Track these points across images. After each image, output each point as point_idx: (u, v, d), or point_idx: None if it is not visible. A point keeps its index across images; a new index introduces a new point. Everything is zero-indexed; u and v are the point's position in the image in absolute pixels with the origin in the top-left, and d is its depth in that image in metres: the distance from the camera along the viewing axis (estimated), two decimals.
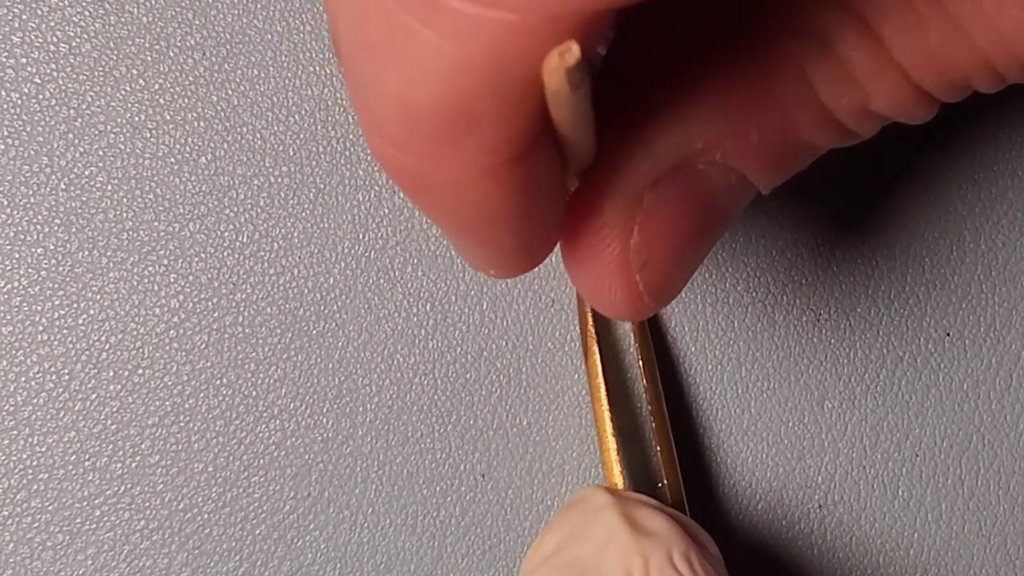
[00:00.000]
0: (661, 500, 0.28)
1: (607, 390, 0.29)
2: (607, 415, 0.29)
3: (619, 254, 0.21)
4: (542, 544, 0.27)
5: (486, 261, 0.21)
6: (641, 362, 0.29)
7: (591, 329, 0.29)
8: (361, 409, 0.30)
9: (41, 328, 0.30)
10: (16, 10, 0.29)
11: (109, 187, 0.30)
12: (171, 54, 0.30)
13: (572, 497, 0.28)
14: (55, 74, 0.30)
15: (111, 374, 0.30)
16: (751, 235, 0.30)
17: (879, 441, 0.30)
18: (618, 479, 0.29)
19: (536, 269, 0.30)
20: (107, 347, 0.30)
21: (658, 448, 0.29)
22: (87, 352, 0.30)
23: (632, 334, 0.29)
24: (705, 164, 0.21)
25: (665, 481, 0.29)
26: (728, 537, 0.30)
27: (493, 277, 0.21)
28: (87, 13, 0.30)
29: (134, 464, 0.30)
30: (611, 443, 0.29)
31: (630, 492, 0.28)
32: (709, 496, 0.30)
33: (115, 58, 0.30)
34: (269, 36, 0.30)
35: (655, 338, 0.30)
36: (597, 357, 0.29)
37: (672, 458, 0.29)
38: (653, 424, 0.29)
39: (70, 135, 0.30)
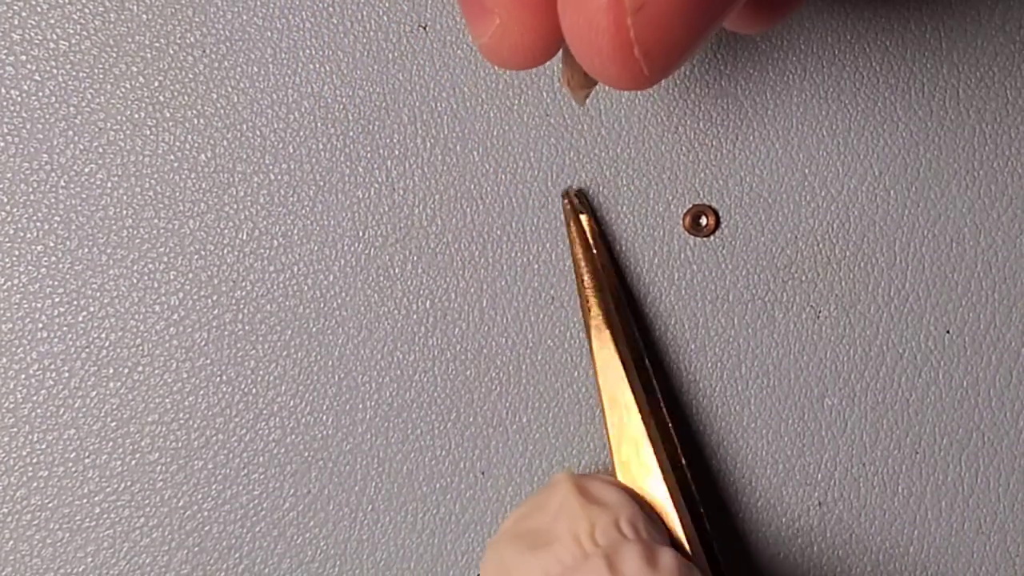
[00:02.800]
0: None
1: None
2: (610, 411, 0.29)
3: None
4: (509, 517, 0.28)
5: None
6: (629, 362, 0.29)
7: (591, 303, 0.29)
8: (361, 406, 0.30)
9: (41, 325, 0.30)
10: (16, 7, 0.29)
11: (109, 184, 0.30)
12: (171, 51, 0.30)
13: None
14: (55, 71, 0.30)
15: (111, 371, 0.30)
16: (751, 232, 0.30)
17: (879, 438, 0.30)
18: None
19: (534, 268, 0.30)
20: (107, 344, 0.30)
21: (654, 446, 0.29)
22: (87, 349, 0.30)
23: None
24: None
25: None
26: (726, 533, 0.30)
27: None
28: (87, 10, 0.30)
29: (134, 461, 0.30)
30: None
31: (591, 473, 0.29)
32: (709, 494, 0.30)
33: (115, 55, 0.30)
34: (269, 34, 0.30)
35: (656, 335, 0.30)
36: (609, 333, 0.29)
37: (676, 453, 0.29)
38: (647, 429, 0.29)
39: (70, 132, 0.30)
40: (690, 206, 0.30)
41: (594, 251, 0.30)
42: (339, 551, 0.30)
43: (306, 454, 0.30)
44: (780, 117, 0.30)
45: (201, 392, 0.30)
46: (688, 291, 0.30)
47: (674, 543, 0.28)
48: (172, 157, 0.30)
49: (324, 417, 0.30)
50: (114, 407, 0.30)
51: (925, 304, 0.30)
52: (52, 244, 0.30)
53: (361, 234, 0.30)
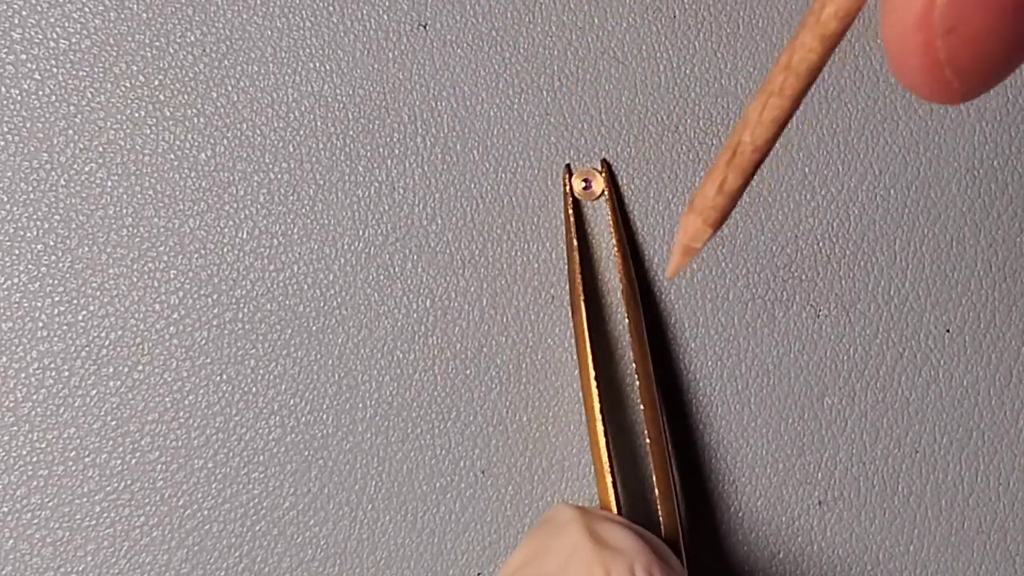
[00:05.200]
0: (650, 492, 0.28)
1: (592, 351, 0.29)
2: (596, 393, 0.29)
3: (921, 10, 0.19)
4: (512, 559, 0.27)
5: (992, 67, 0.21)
6: (628, 321, 0.29)
7: (579, 287, 0.29)
8: (361, 405, 0.30)
9: (41, 324, 0.30)
10: (16, 6, 0.29)
11: (109, 183, 0.30)
12: (171, 50, 0.30)
13: (545, 514, 0.28)
14: (55, 70, 0.30)
15: (111, 370, 0.30)
16: (751, 231, 0.30)
17: (879, 437, 0.30)
18: (605, 467, 0.29)
19: (535, 267, 0.30)
20: (107, 343, 0.30)
21: (648, 439, 0.29)
22: (87, 348, 0.30)
23: (621, 295, 0.29)
24: None
25: (653, 467, 0.29)
26: (727, 533, 0.30)
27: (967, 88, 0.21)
28: (87, 9, 0.30)
29: (134, 460, 0.30)
30: (600, 431, 0.29)
31: (597, 509, 0.28)
32: (709, 493, 0.30)
33: (115, 54, 0.30)
34: (269, 32, 0.30)
35: (653, 333, 0.30)
36: (584, 315, 0.29)
37: (663, 448, 0.29)
38: (638, 382, 0.29)
39: (70, 131, 0.30)
40: None
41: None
42: (339, 550, 0.30)
43: (306, 453, 0.30)
44: None
45: (201, 391, 0.30)
46: (688, 290, 0.30)
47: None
48: (172, 156, 0.30)
49: (324, 416, 0.30)
50: (114, 406, 0.30)
51: (925, 303, 0.30)
52: (52, 243, 0.30)
53: (361, 233, 0.30)
